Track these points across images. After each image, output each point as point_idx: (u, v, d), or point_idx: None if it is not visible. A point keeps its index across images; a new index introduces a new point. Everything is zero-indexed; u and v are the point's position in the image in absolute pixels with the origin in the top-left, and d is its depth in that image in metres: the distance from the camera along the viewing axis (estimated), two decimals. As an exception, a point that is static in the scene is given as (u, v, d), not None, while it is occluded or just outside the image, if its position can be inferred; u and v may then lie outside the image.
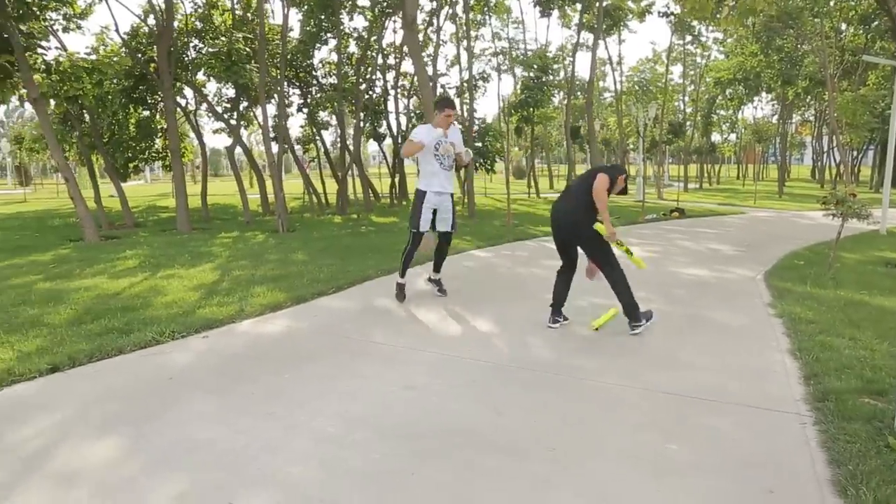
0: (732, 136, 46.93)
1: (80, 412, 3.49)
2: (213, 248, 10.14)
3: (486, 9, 22.84)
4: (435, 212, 5.96)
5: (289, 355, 4.52)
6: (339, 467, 2.88)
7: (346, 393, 3.77)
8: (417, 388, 3.86)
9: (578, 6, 23.83)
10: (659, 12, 21.61)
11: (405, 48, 22.59)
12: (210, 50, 15.33)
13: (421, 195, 5.92)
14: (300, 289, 6.58)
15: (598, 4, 16.96)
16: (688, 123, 35.41)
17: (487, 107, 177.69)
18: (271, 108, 19.01)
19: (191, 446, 3.07)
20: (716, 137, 42.74)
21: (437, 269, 6.52)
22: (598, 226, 4.91)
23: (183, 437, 3.18)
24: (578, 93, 31.89)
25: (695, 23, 25.57)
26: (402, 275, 6.17)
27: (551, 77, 22.09)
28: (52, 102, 13.46)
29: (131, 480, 2.76)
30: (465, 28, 16.59)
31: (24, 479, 2.77)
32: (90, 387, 3.87)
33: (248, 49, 14.99)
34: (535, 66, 21.54)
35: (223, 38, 14.40)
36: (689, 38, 30.52)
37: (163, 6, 14.08)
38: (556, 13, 25.98)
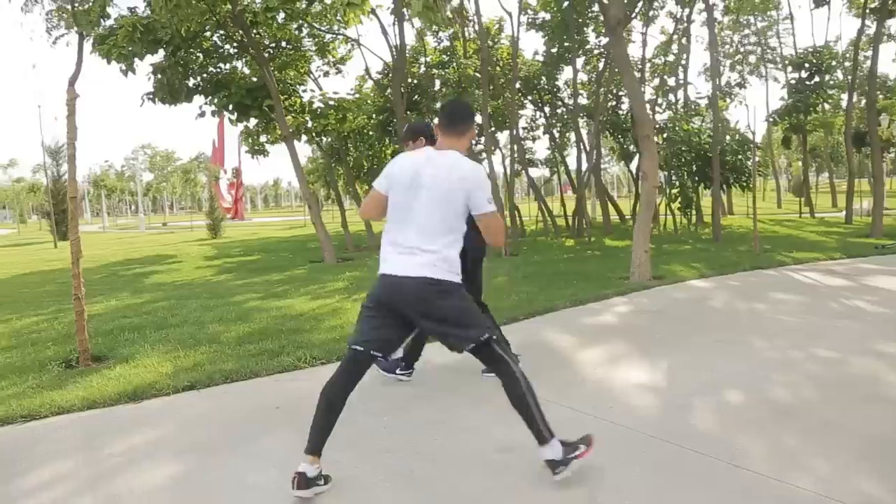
0: None
1: (169, 435, 3.54)
2: (422, 271, 10.32)
3: (749, 8, 20.38)
4: None
5: (407, 394, 4.17)
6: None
7: (435, 446, 3.26)
8: (514, 450, 3.19)
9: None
10: None
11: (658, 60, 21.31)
12: (447, 79, 16.02)
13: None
14: (470, 317, 6.20)
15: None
16: None
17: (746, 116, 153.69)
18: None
19: (225, 488, 2.86)
20: None
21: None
22: None
23: (230, 476, 2.99)
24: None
25: None
26: None
27: (828, 77, 18.82)
28: (304, 137, 15.12)
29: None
30: (709, 29, 14.89)
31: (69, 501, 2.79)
32: (201, 409, 3.95)
33: (479, 75, 15.28)
34: (807, 66, 18.59)
35: (452, 68, 14.86)
36: None
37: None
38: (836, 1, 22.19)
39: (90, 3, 5.46)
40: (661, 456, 3.10)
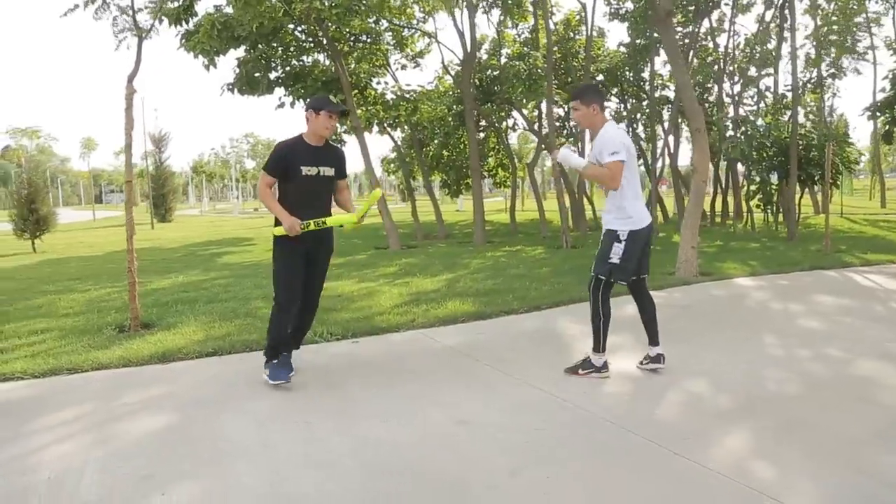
0: None
1: (178, 392, 4.01)
2: (474, 261, 10.54)
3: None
4: None
5: (403, 370, 4.46)
6: (279, 494, 2.73)
7: (397, 417, 3.54)
8: (471, 424, 3.42)
9: None
10: None
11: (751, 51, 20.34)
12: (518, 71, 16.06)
13: None
14: (494, 305, 6.43)
15: None
16: None
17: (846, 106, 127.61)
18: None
19: (206, 436, 3.26)
20: None
21: None
22: (276, 229, 4.06)
23: (215, 427, 3.41)
24: None
25: None
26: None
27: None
28: (375, 128, 15.66)
29: (101, 457, 3.05)
30: (791, 13, 14.09)
31: (78, 444, 3.28)
32: (215, 372, 4.41)
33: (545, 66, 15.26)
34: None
35: (520, 62, 14.93)
36: None
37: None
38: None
39: (161, 4, 6.05)
40: (609, 439, 3.23)
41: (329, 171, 4.14)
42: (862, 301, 6.58)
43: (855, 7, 23.04)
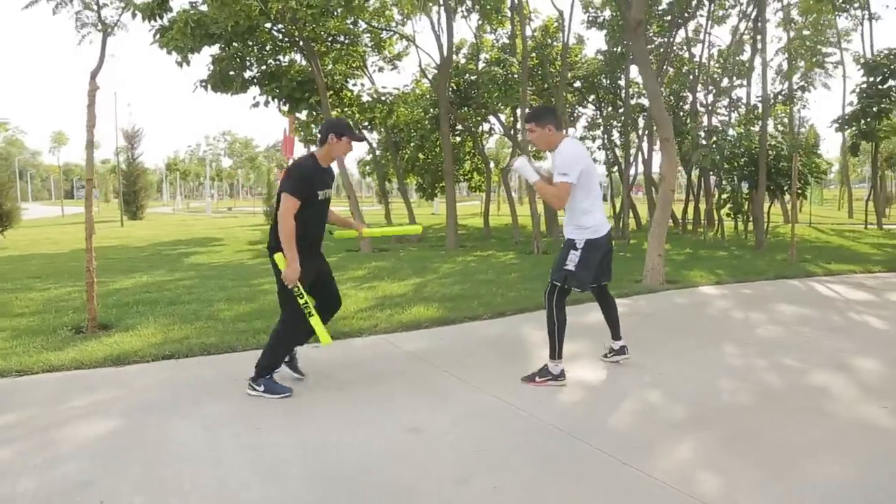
0: None
1: (129, 396, 3.94)
2: (444, 265, 10.54)
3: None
4: None
5: (360, 375, 4.43)
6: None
7: (350, 424, 3.51)
8: (422, 432, 3.41)
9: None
10: None
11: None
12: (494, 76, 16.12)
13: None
14: (459, 310, 6.42)
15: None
16: None
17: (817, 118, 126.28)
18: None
19: (151, 441, 3.20)
20: None
21: None
22: (278, 256, 3.88)
23: (162, 432, 3.35)
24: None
25: None
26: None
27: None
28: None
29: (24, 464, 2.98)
30: (762, 23, 14.33)
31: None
32: (169, 376, 4.34)
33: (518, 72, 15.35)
34: (883, 69, 17.59)
35: (497, 68, 15.00)
36: None
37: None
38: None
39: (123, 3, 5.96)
40: (559, 448, 3.23)
41: (330, 192, 4.09)
42: (821, 311, 6.69)
43: (826, 22, 23.58)
